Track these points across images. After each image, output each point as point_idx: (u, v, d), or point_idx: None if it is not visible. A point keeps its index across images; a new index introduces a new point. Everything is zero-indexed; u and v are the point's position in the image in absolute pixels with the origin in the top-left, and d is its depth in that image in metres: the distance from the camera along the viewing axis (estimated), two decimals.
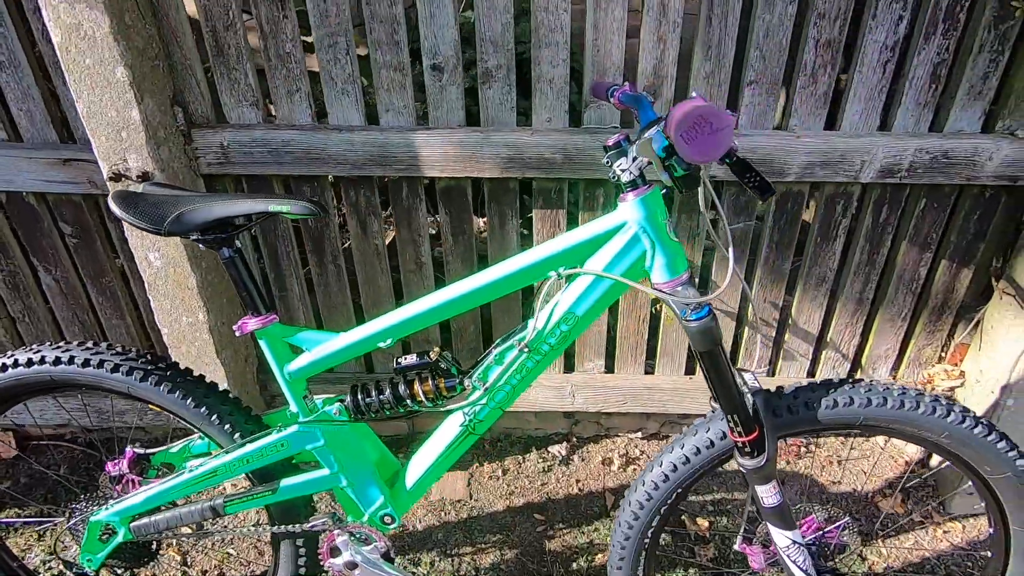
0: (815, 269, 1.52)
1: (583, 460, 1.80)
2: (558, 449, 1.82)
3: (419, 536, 1.60)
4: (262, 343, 1.01)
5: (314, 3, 1.21)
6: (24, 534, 1.56)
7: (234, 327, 1.00)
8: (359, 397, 1.04)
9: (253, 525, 1.57)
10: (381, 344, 1.01)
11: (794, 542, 1.02)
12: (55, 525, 1.12)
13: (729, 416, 0.94)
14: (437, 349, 1.01)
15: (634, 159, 0.86)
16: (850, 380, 1.00)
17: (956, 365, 1.64)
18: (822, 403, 0.97)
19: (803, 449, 1.77)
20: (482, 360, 1.02)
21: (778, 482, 0.99)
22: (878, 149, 1.31)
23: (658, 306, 1.61)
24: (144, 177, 1.20)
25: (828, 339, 1.63)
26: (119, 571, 1.27)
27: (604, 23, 1.23)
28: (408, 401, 1.03)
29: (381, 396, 1.03)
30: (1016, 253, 1.40)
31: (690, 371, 1.69)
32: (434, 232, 1.74)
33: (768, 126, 1.34)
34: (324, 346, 1.02)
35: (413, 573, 1.48)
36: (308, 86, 1.30)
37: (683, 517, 1.61)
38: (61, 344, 1.07)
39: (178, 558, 1.53)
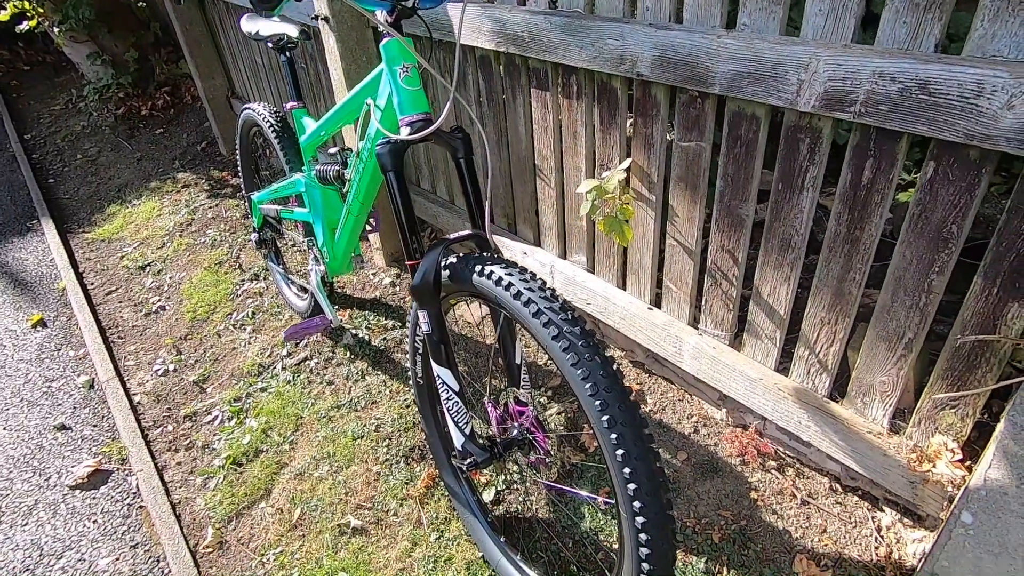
0: (777, 225, 1.20)
1: None
2: None
3: None
4: (292, 118, 1.69)
5: None
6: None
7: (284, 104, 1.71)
8: (318, 168, 1.62)
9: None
10: (321, 133, 1.55)
11: (447, 385, 1.13)
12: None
13: (400, 234, 1.12)
14: (339, 148, 1.49)
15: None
16: (503, 262, 1.00)
17: (966, 451, 1.04)
18: (478, 272, 1.02)
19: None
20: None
21: (432, 316, 1.11)
22: (819, 63, 0.96)
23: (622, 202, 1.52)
24: (326, 19, 1.96)
25: (801, 331, 1.26)
26: (271, 231, 2.24)
27: None
28: (328, 179, 1.56)
29: (322, 170, 1.59)
30: None
31: (656, 304, 1.57)
32: None
33: (714, 24, 1.12)
34: (307, 132, 1.62)
35: (341, 318, 2.04)
36: None
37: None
38: (260, 103, 1.98)
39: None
